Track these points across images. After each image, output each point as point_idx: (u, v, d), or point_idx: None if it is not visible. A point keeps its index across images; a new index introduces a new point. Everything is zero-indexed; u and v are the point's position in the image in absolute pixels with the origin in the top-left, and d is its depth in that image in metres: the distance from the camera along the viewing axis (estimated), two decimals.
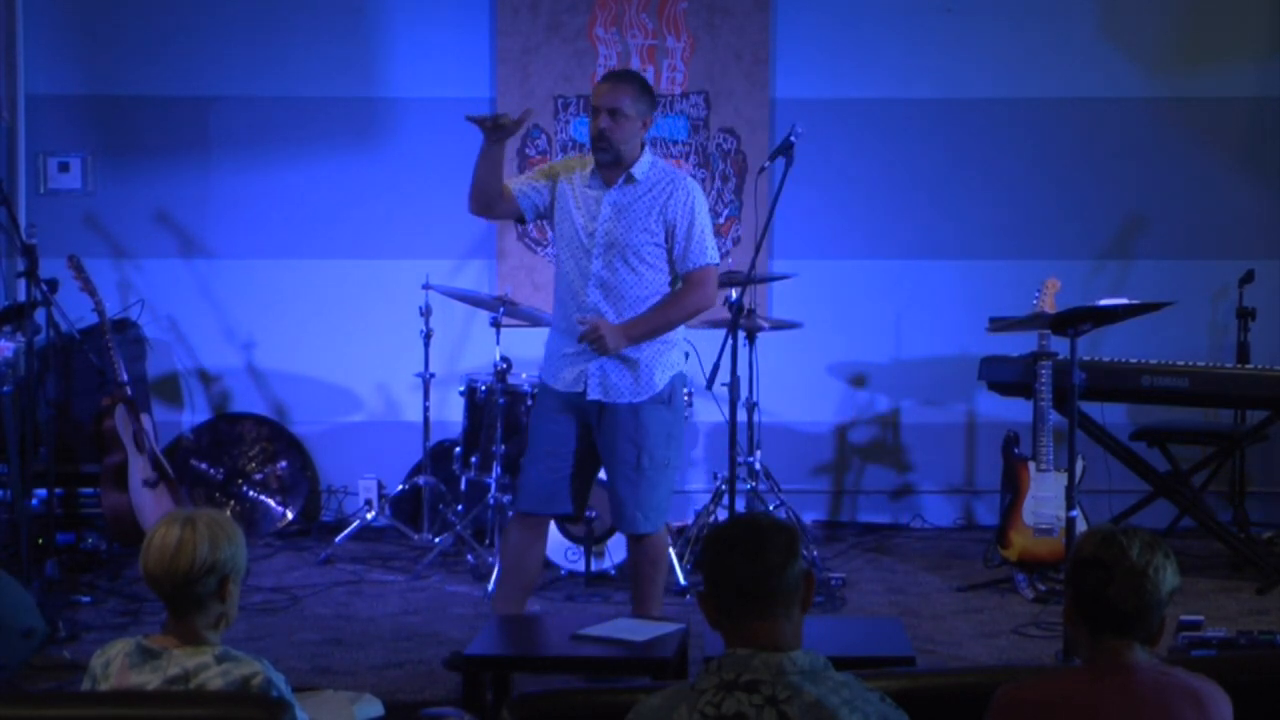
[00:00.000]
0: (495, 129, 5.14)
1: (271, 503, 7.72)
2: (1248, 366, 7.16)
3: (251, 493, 7.73)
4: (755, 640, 2.83)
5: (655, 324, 5.26)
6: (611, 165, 5.27)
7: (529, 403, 6.64)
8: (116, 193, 7.83)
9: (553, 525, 6.28)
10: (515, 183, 5.36)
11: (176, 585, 3.23)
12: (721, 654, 2.85)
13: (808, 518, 7.62)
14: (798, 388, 7.77)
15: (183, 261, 7.86)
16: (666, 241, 5.26)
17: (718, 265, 5.39)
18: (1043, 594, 6.43)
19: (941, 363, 7.85)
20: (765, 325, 7.01)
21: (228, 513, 6.24)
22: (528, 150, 7.78)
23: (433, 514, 7.34)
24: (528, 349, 6.75)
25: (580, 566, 6.62)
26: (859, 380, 7.93)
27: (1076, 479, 5.67)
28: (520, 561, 5.38)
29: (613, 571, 6.65)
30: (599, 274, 5.25)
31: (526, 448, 5.47)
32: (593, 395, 5.26)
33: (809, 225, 7.79)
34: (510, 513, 6.10)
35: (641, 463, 5.28)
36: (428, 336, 7.31)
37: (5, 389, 6.21)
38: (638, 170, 5.26)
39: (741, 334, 6.73)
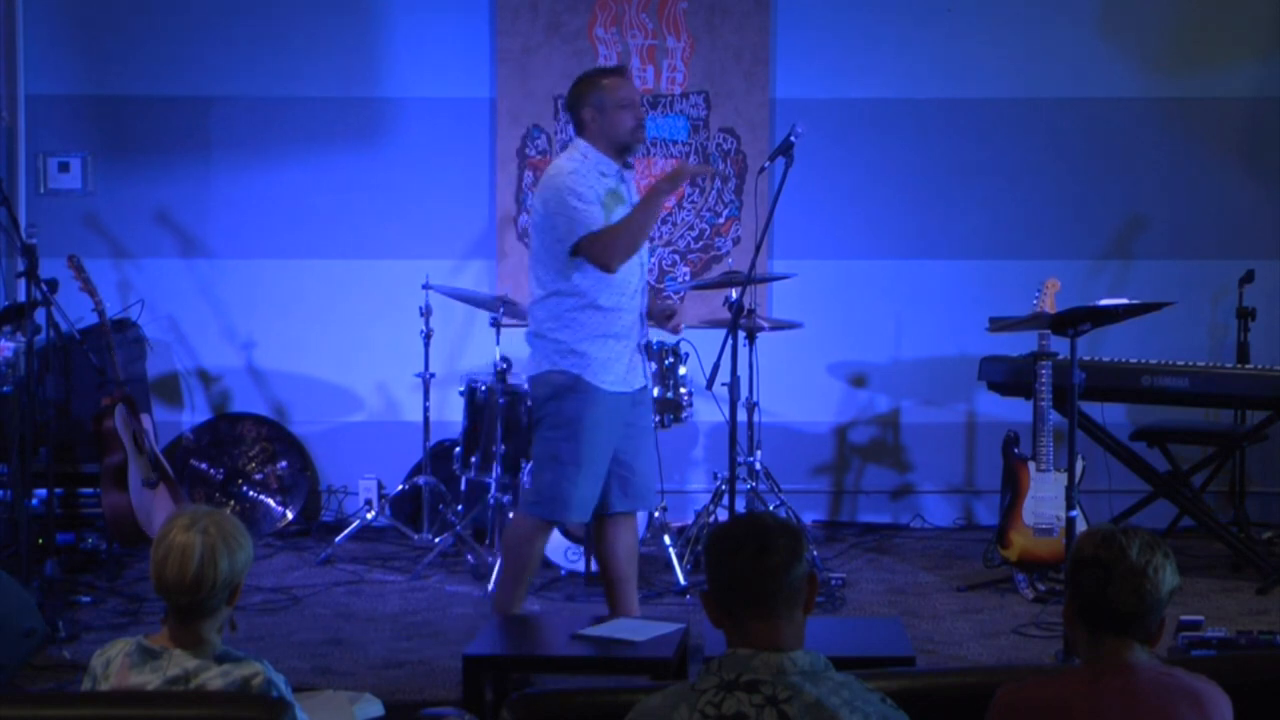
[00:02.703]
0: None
1: (271, 503, 7.72)
2: (1248, 366, 7.15)
3: (251, 493, 7.72)
4: (756, 640, 2.82)
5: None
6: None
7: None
8: (116, 193, 7.82)
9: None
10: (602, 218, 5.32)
11: (194, 599, 3.21)
12: (722, 654, 2.85)
13: (808, 518, 7.62)
14: (798, 388, 7.77)
15: (183, 261, 7.86)
16: None
17: None
18: (1043, 594, 6.42)
19: (941, 363, 7.85)
20: (765, 325, 7.01)
21: (227, 512, 6.25)
22: (528, 150, 7.77)
23: (433, 514, 7.34)
24: (527, 349, 6.73)
25: (580, 566, 6.61)
26: (859, 380, 7.92)
27: (1076, 479, 5.66)
28: (534, 565, 5.51)
29: None
30: (645, 261, 5.51)
31: (582, 459, 5.29)
32: (645, 382, 5.51)
33: (809, 225, 7.79)
34: (516, 514, 5.96)
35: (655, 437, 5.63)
36: (428, 336, 7.31)
37: (5, 389, 6.21)
38: None
39: (741, 334, 6.73)
